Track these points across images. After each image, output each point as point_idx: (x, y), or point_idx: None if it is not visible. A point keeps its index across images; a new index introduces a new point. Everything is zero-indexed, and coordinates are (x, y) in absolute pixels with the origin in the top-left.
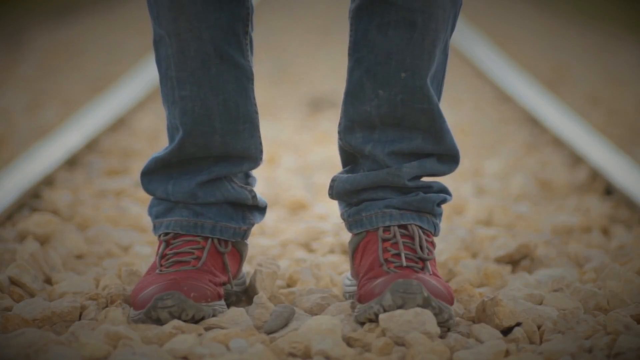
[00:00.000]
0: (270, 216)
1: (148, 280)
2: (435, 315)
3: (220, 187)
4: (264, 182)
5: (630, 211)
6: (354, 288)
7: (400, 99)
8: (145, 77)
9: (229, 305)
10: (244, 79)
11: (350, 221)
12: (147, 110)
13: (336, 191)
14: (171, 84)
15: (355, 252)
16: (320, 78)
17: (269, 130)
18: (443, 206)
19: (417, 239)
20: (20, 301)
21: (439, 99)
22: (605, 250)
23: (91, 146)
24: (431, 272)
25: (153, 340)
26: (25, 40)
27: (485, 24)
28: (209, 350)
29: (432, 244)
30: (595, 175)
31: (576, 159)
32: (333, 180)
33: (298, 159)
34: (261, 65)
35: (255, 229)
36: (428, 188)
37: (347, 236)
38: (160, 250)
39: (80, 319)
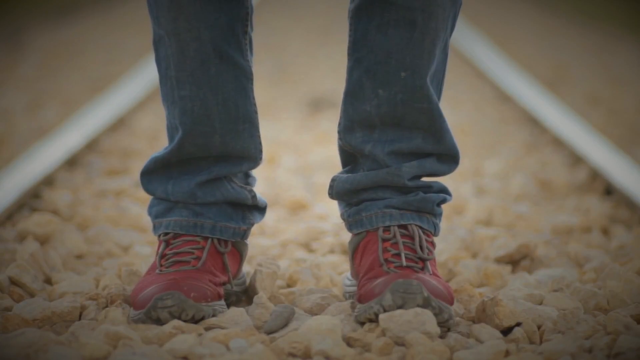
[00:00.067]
0: (270, 216)
1: (148, 280)
2: (435, 315)
3: (220, 187)
4: (264, 182)
5: (630, 211)
6: (354, 288)
7: (400, 99)
8: (145, 77)
9: (229, 305)
10: (244, 79)
11: (350, 221)
12: (147, 110)
13: (336, 191)
14: (171, 84)
15: (355, 252)
16: (320, 78)
17: (269, 130)
18: (443, 206)
19: (417, 239)
20: (20, 301)
21: (439, 98)
22: (605, 250)
23: (91, 146)
24: (431, 272)
25: (153, 340)
26: (25, 40)
27: (485, 24)
28: (209, 350)
29: (432, 244)
30: (595, 175)
31: (576, 159)
32: (333, 180)
33: (298, 159)
34: (261, 65)
35: (255, 229)
36: (428, 188)
37: (347, 236)
38: (160, 250)
39: (80, 319)
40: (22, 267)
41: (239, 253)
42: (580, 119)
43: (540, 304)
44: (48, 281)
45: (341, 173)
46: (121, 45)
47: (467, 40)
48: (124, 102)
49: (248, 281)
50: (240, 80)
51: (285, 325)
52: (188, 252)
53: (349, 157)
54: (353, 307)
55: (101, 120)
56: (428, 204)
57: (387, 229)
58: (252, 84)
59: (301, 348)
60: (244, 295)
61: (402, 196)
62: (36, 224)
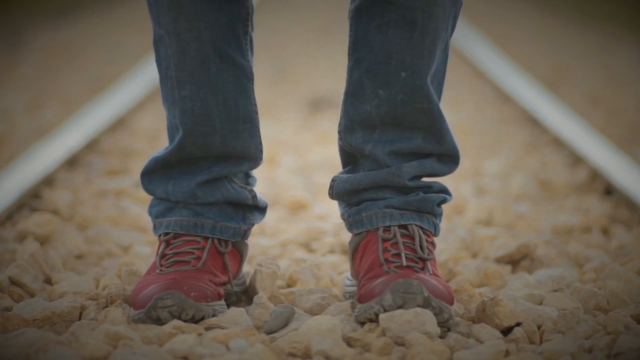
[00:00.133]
0: (270, 216)
1: (148, 280)
2: (436, 315)
3: (220, 187)
4: (264, 182)
5: (630, 211)
6: (354, 288)
7: (400, 99)
8: (145, 77)
9: (229, 305)
10: (244, 79)
11: (351, 221)
12: (147, 110)
13: (336, 191)
14: (171, 84)
15: (355, 252)
16: (320, 78)
17: (269, 130)
18: (443, 206)
19: (417, 239)
20: (20, 301)
21: (439, 98)
22: (605, 250)
23: (91, 146)
24: (431, 272)
25: (153, 340)
26: (25, 40)
27: (485, 24)
28: (209, 350)
29: (432, 244)
30: (595, 175)
31: (576, 159)
32: (333, 180)
33: (298, 159)
34: (261, 65)
35: (255, 229)
36: (428, 188)
37: (347, 236)
38: (160, 250)
39: (80, 319)
40: (22, 267)
41: (239, 253)
42: (580, 119)
43: (540, 304)
44: (48, 281)
45: (341, 173)
46: (121, 45)
47: (467, 40)
48: (124, 102)
49: (248, 281)
50: (241, 80)
51: (285, 325)
52: (188, 252)
53: (349, 157)
54: (353, 307)
55: (101, 120)
56: (428, 204)
57: (387, 229)
58: (252, 84)
59: (301, 348)
60: (244, 295)
61: (402, 196)
62: (36, 224)
